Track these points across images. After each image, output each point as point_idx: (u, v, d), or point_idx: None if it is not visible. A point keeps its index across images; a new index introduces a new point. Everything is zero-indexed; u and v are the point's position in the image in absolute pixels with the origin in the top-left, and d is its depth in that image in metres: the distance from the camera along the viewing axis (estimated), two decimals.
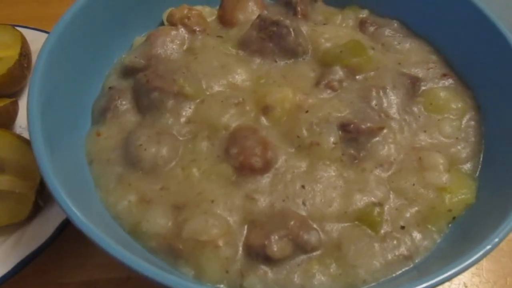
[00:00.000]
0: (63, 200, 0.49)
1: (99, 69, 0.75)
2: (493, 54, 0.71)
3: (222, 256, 0.54)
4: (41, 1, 1.07)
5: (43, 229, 0.68)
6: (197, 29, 0.77)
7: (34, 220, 0.69)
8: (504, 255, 0.76)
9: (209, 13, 0.83)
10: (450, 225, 0.61)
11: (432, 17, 0.80)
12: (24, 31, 0.89)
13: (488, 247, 0.50)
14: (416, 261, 0.57)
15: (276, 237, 0.54)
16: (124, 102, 0.69)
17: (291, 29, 0.73)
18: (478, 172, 0.65)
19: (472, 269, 0.73)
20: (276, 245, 0.54)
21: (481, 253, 0.50)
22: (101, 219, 0.56)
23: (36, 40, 0.88)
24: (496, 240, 0.50)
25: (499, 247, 0.75)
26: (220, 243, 0.54)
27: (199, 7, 0.82)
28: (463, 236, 0.58)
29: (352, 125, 0.63)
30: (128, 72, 0.73)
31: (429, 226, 0.60)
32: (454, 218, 0.60)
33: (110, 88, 0.72)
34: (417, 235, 0.58)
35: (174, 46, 0.74)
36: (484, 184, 0.63)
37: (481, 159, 0.66)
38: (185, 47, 0.75)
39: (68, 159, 0.61)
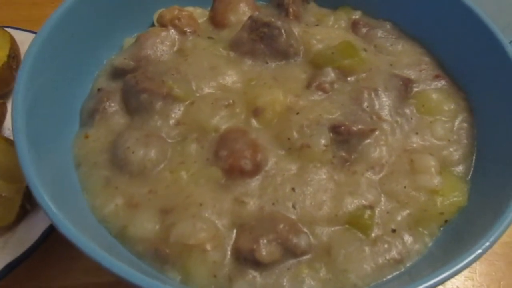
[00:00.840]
0: (46, 204, 0.49)
1: (88, 70, 0.74)
2: (486, 56, 0.70)
3: (209, 260, 0.53)
4: (32, 3, 1.06)
5: (30, 232, 0.66)
6: (188, 30, 0.76)
7: (21, 224, 0.68)
8: (498, 259, 0.75)
9: (201, 14, 0.82)
10: (442, 228, 0.60)
11: (425, 19, 0.79)
12: (13, 32, 0.88)
13: (479, 251, 0.49)
14: (407, 265, 0.56)
15: (265, 241, 0.53)
16: (112, 104, 0.68)
17: (283, 30, 0.72)
18: (470, 175, 0.65)
19: (465, 273, 0.73)
20: (265, 249, 0.53)
21: (472, 257, 0.49)
22: (87, 223, 0.56)
23: (26, 41, 0.87)
24: (487, 244, 0.49)
25: (493, 251, 0.75)
26: (208, 247, 0.53)
27: (190, 8, 0.81)
28: (455, 239, 0.57)
29: (343, 127, 0.62)
30: (118, 73, 0.72)
31: (421, 230, 0.59)
32: (446, 221, 0.60)
33: (99, 89, 0.71)
34: (408, 239, 0.58)
35: (164, 48, 0.74)
36: (476, 187, 0.62)
37: (473, 161, 0.66)
38: (175, 48, 0.74)
39: (55, 162, 0.60)
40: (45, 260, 0.70)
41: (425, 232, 0.59)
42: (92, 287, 0.69)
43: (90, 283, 0.69)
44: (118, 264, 0.46)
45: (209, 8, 0.82)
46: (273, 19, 0.72)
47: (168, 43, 0.74)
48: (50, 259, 0.70)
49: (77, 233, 0.47)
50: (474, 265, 0.74)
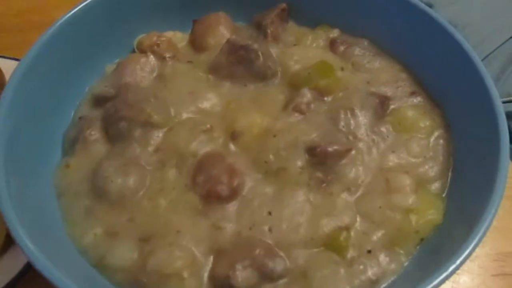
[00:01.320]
0: (23, 242, 0.50)
1: (70, 98, 0.75)
2: (461, 73, 0.70)
3: None
4: (18, 29, 1.07)
5: (15, 262, 0.67)
6: (167, 55, 0.77)
7: (6, 254, 0.69)
8: (482, 272, 0.75)
9: (181, 38, 0.84)
10: (418, 247, 0.60)
11: (401, 35, 0.80)
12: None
13: (453, 267, 0.50)
14: (382, 286, 0.57)
15: (240, 266, 0.54)
16: (93, 132, 0.69)
17: (259, 53, 0.73)
18: (446, 191, 0.65)
19: (448, 287, 0.73)
20: (240, 275, 0.53)
21: (445, 274, 0.50)
22: (66, 254, 0.56)
23: (11, 70, 0.88)
24: (457, 262, 0.50)
25: (476, 264, 0.75)
26: (185, 274, 0.54)
27: (170, 33, 0.83)
28: (431, 257, 0.58)
29: (319, 149, 0.63)
30: (99, 101, 0.73)
31: (397, 249, 0.59)
32: (422, 239, 0.60)
33: (80, 118, 0.72)
34: (384, 259, 0.58)
35: (143, 74, 0.75)
36: (451, 204, 0.63)
37: (449, 178, 0.66)
38: (155, 74, 0.76)
39: (36, 193, 0.61)
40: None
41: (401, 251, 0.60)
42: None
43: None
44: None
45: (189, 32, 0.84)
46: (249, 42, 0.74)
47: (147, 69, 0.75)
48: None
49: (53, 270, 0.48)
50: (456, 279, 0.74)
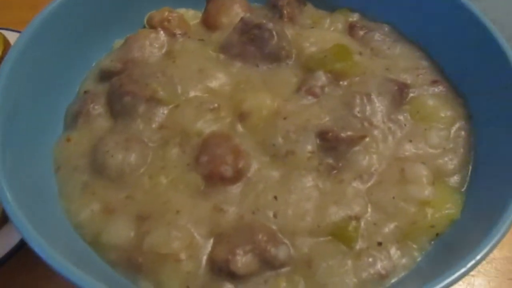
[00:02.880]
0: (16, 216, 0.47)
1: (77, 73, 0.73)
2: (487, 62, 0.66)
3: (183, 271, 0.51)
4: (31, 5, 1.06)
5: (11, 237, 0.65)
6: (178, 32, 0.75)
7: (2, 230, 0.67)
8: (499, 275, 0.71)
9: (193, 16, 0.81)
10: (432, 242, 0.56)
11: (425, 22, 0.76)
12: (8, 33, 0.88)
13: (467, 267, 0.46)
14: (393, 280, 0.53)
15: (241, 251, 0.51)
16: (96, 107, 0.66)
17: (274, 33, 0.70)
18: (465, 186, 0.61)
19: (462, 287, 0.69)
20: (240, 260, 0.50)
21: (459, 272, 0.46)
22: (60, 230, 0.54)
23: None
24: (477, 258, 0.46)
25: (493, 267, 0.71)
26: (182, 256, 0.51)
27: (182, 10, 0.80)
28: (446, 254, 0.54)
29: (330, 134, 0.60)
30: (105, 76, 0.71)
31: (409, 243, 0.56)
32: (437, 234, 0.56)
33: (85, 92, 0.70)
34: (395, 253, 0.55)
35: (152, 50, 0.72)
36: (470, 199, 0.59)
37: (469, 171, 0.62)
38: (164, 50, 0.73)
39: (33, 167, 0.59)
40: (24, 266, 0.69)
41: (414, 245, 0.56)
42: None
43: None
44: (86, 278, 0.44)
45: (202, 10, 0.81)
46: (264, 21, 0.70)
47: (156, 45, 0.73)
48: (29, 264, 0.69)
49: (46, 247, 0.46)
50: (471, 281, 0.70)
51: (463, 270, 0.46)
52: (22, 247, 0.65)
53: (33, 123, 0.63)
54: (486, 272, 0.71)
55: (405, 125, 0.65)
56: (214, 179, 0.57)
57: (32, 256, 0.54)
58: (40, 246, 0.47)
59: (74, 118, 0.66)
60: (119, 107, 0.65)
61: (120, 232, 0.54)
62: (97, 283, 0.44)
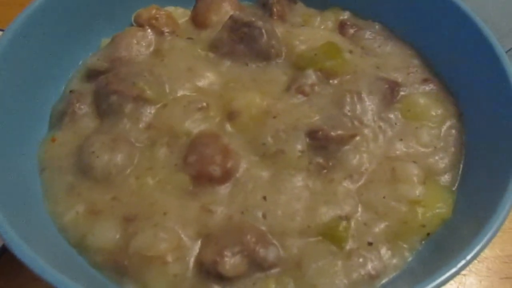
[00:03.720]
0: None
1: (63, 72, 0.72)
2: (478, 60, 0.66)
3: (170, 273, 0.50)
4: (20, 3, 1.04)
5: None
6: (166, 30, 0.73)
7: None
8: (490, 274, 0.70)
9: (182, 14, 0.79)
10: (423, 242, 0.56)
11: (415, 20, 0.75)
12: None
13: (457, 267, 0.45)
14: (383, 281, 0.52)
15: (230, 253, 0.50)
16: (82, 107, 0.65)
17: (263, 31, 0.69)
18: (456, 185, 0.61)
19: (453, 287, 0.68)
20: (228, 262, 0.49)
21: (450, 272, 0.46)
22: (45, 232, 0.53)
23: None
24: (464, 261, 0.45)
25: (485, 266, 0.71)
26: (169, 258, 0.50)
27: (171, 8, 0.79)
28: (437, 254, 0.54)
29: (320, 132, 0.59)
30: (91, 75, 0.70)
31: (400, 243, 0.55)
32: (428, 234, 0.56)
33: (71, 91, 0.69)
34: (386, 253, 0.54)
35: (140, 48, 0.71)
36: (462, 198, 0.58)
37: (460, 170, 0.62)
38: (151, 49, 0.72)
39: (16, 167, 0.58)
40: (11, 267, 0.67)
41: (405, 245, 0.55)
42: None
43: None
44: (70, 283, 0.43)
45: (191, 8, 0.80)
46: (253, 19, 0.69)
47: (144, 44, 0.71)
48: (15, 266, 0.67)
49: (30, 253, 0.45)
50: (463, 280, 0.70)
51: (453, 270, 0.45)
52: (6, 250, 0.64)
53: (17, 123, 0.61)
54: (478, 271, 0.70)
55: (395, 124, 0.64)
56: (202, 180, 0.56)
57: (17, 260, 0.53)
58: (22, 250, 0.45)
59: (59, 118, 0.65)
60: (105, 107, 0.63)
61: (106, 234, 0.53)
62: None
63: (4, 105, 0.59)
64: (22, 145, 0.61)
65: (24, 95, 0.64)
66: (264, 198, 0.55)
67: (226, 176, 0.56)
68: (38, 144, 0.63)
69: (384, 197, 0.56)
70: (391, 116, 0.65)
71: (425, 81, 0.70)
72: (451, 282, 0.47)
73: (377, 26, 0.79)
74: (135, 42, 0.71)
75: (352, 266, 0.52)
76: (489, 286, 0.69)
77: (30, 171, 0.60)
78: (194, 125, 0.61)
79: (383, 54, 0.74)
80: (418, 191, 0.56)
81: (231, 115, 0.62)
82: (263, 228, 0.54)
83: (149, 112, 0.62)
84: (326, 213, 0.55)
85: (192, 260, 0.51)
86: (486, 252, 0.70)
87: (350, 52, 0.71)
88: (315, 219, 0.54)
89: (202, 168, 0.56)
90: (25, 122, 0.63)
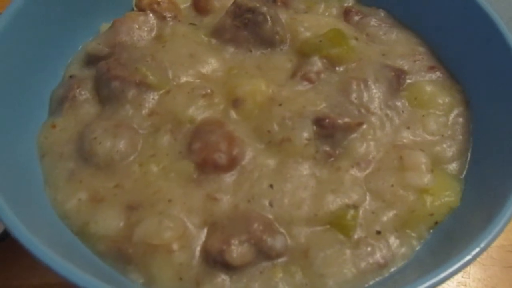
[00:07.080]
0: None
1: (62, 57, 0.70)
2: (486, 48, 0.65)
3: (175, 262, 0.49)
4: None
5: None
6: (168, 15, 0.72)
7: None
8: (494, 263, 0.70)
9: None
10: (431, 231, 0.55)
11: (421, 7, 0.74)
12: None
13: (469, 257, 0.45)
14: (392, 270, 0.52)
15: (236, 241, 0.49)
16: (83, 92, 0.64)
17: (268, 17, 0.68)
18: (464, 173, 0.60)
19: (458, 277, 0.68)
20: (235, 250, 0.48)
21: (461, 263, 0.45)
22: (46, 220, 0.51)
23: None
24: (478, 249, 0.45)
25: (488, 254, 0.70)
26: (174, 247, 0.49)
27: None
28: (445, 242, 0.53)
29: (327, 120, 0.58)
30: (91, 60, 0.68)
31: (408, 232, 0.55)
32: (436, 222, 0.55)
33: (70, 76, 0.67)
34: (394, 241, 0.53)
35: (141, 33, 0.69)
36: (470, 186, 0.58)
37: (468, 158, 0.61)
38: (153, 34, 0.70)
39: (16, 154, 0.56)
40: (6, 256, 0.66)
41: (413, 234, 0.55)
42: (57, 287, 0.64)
43: (55, 284, 0.65)
44: (76, 271, 0.42)
45: None
46: (258, 5, 0.68)
47: (145, 29, 0.70)
48: (12, 254, 0.66)
49: (32, 238, 0.43)
50: (467, 269, 0.69)
51: (465, 260, 0.45)
52: (7, 236, 0.62)
53: (17, 109, 0.60)
54: (482, 260, 0.70)
55: (402, 111, 0.63)
56: (208, 167, 0.55)
57: (17, 247, 0.52)
58: (24, 235, 0.44)
59: (59, 104, 0.63)
60: (106, 92, 0.62)
61: (109, 222, 0.52)
62: (85, 275, 0.42)
63: (3, 91, 0.58)
64: (22, 131, 0.60)
65: (24, 80, 0.62)
66: (271, 186, 0.54)
67: (232, 163, 0.55)
68: (38, 129, 0.62)
69: (392, 185, 0.56)
70: (398, 104, 0.64)
71: (431, 68, 0.69)
72: None
73: (382, 13, 0.78)
74: (136, 26, 0.69)
75: (361, 255, 0.51)
76: (493, 275, 0.69)
77: (30, 157, 0.58)
78: (198, 112, 0.60)
79: (389, 42, 0.73)
80: (426, 179, 0.56)
81: (235, 102, 0.61)
82: (270, 216, 0.53)
83: (152, 98, 0.61)
84: (334, 202, 0.54)
85: (198, 249, 0.50)
86: None
87: (356, 39, 0.70)
88: (323, 208, 0.53)
89: (207, 156, 0.55)
90: (25, 108, 0.61)
